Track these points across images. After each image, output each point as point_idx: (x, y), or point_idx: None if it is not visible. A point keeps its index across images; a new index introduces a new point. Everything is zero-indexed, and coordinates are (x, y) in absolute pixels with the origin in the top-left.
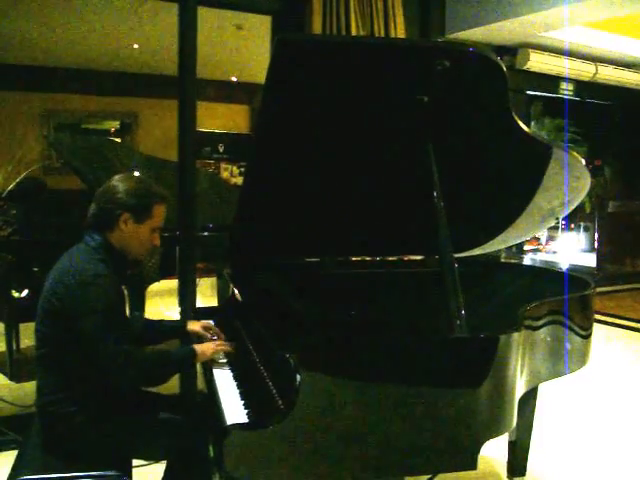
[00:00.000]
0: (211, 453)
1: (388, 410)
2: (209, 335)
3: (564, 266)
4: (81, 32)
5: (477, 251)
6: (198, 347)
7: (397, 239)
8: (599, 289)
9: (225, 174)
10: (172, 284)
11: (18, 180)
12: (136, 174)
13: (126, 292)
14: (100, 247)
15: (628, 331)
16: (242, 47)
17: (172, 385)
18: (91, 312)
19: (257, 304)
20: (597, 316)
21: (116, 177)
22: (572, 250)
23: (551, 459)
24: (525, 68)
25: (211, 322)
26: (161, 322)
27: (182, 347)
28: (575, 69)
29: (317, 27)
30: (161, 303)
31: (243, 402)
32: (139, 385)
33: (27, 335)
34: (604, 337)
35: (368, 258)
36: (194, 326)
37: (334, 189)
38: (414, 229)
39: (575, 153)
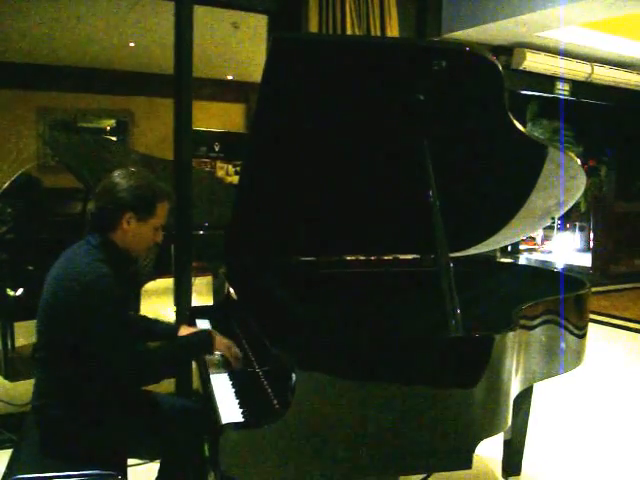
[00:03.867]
0: (206, 452)
1: (383, 409)
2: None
3: (559, 266)
4: (77, 30)
5: (473, 251)
6: (215, 335)
7: (393, 238)
8: (594, 288)
9: (221, 173)
10: (168, 283)
11: (13, 178)
12: (137, 170)
13: None
14: (102, 246)
15: (623, 330)
16: (238, 46)
17: (167, 384)
18: (99, 317)
19: (253, 303)
20: (592, 315)
21: (116, 173)
22: (567, 250)
23: (546, 458)
24: (521, 68)
25: (208, 326)
26: (155, 323)
27: (200, 333)
28: (571, 69)
29: (313, 26)
30: (157, 302)
31: (238, 401)
32: (156, 380)
33: (22, 334)
34: (599, 336)
35: (363, 257)
36: (186, 332)
37: (330, 188)
38: (410, 228)
39: (571, 153)
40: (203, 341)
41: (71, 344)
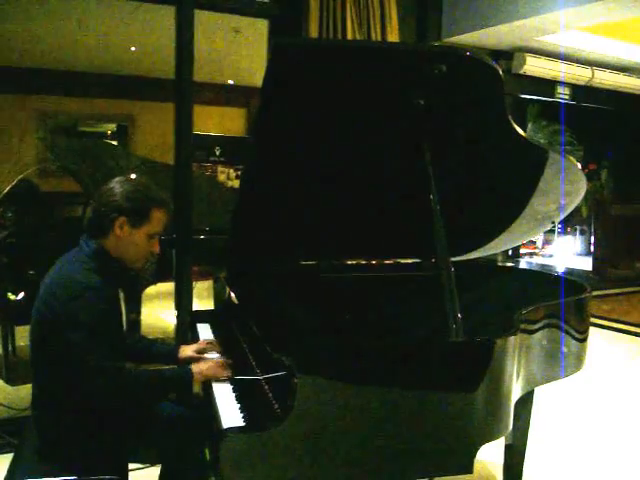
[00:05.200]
0: (207, 456)
1: (384, 414)
2: (207, 357)
3: (560, 269)
4: (78, 35)
5: (474, 255)
6: (195, 367)
7: (394, 243)
8: (595, 292)
9: (222, 177)
10: (168, 287)
11: (14, 183)
12: (136, 177)
13: (122, 295)
14: (94, 254)
15: (624, 334)
16: (239, 50)
17: None
18: (77, 327)
19: (253, 307)
20: (593, 319)
21: (115, 179)
22: (568, 254)
23: (547, 463)
24: (521, 72)
25: (206, 340)
26: (154, 345)
27: (179, 367)
28: (571, 73)
29: (314, 31)
30: (157, 306)
31: (239, 405)
32: (129, 404)
33: (23, 338)
34: (600, 340)
35: (364, 261)
36: (187, 352)
37: (331, 192)
38: (411, 232)
39: (571, 157)
40: (181, 378)
41: (55, 353)
